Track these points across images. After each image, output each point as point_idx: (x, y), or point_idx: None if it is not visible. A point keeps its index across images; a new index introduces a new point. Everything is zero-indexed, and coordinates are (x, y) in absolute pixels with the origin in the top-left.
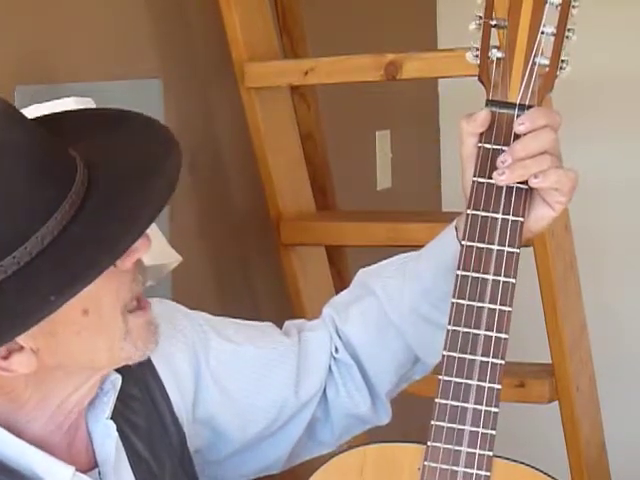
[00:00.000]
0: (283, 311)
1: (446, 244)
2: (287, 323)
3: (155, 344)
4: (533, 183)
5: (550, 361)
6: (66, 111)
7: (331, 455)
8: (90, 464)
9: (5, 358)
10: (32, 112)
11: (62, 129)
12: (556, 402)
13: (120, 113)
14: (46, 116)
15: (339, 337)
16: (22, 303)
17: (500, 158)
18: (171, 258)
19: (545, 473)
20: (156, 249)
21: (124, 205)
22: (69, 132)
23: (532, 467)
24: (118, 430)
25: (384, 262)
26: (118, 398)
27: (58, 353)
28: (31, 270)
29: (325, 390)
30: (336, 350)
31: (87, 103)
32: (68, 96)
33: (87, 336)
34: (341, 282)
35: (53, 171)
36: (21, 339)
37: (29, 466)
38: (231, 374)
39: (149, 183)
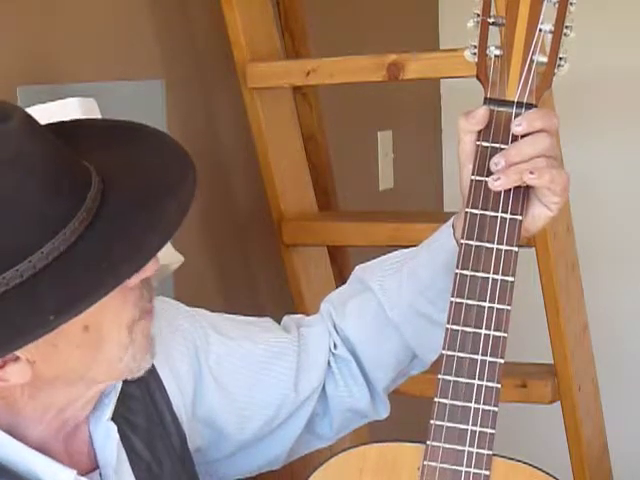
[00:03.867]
0: (285, 312)
1: (443, 243)
2: (285, 318)
3: (152, 356)
4: (528, 179)
5: (552, 361)
6: (83, 120)
7: (331, 455)
8: (91, 466)
9: (0, 368)
10: (34, 113)
11: (78, 138)
12: (558, 402)
13: (138, 127)
14: (63, 123)
15: (337, 333)
16: (21, 319)
17: (493, 160)
18: (173, 259)
19: (545, 471)
20: None
21: (135, 227)
22: (86, 142)
23: (532, 466)
24: (118, 430)
25: (381, 258)
26: (118, 398)
27: (55, 365)
28: (33, 285)
29: (324, 385)
30: (334, 346)
31: (90, 104)
32: (71, 96)
33: (86, 351)
34: (343, 282)
35: (66, 185)
36: (18, 350)
37: (31, 469)
38: (230, 372)
39: (162, 207)
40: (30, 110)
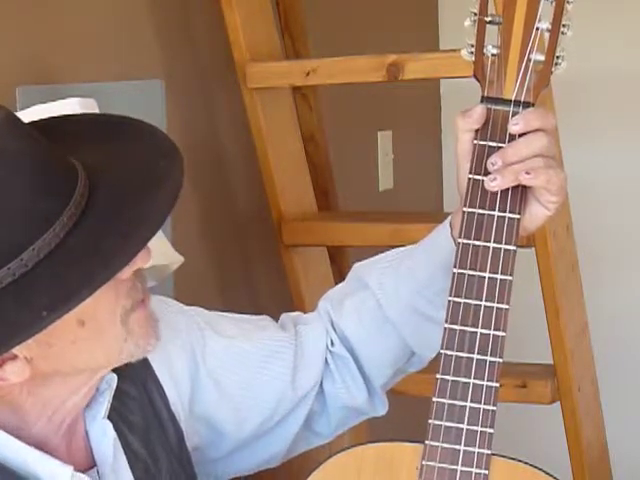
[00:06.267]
0: (285, 312)
1: (440, 241)
2: (283, 316)
3: (157, 339)
4: (524, 179)
5: (552, 362)
6: (68, 115)
7: (329, 455)
8: (89, 463)
9: None
10: (34, 113)
11: (64, 134)
12: (558, 403)
13: (123, 120)
14: (48, 120)
15: (335, 331)
16: (16, 317)
17: (490, 160)
18: (173, 259)
19: (544, 471)
20: (158, 250)
21: (123, 219)
22: (71, 138)
23: (531, 465)
24: (115, 429)
25: (379, 256)
26: (115, 397)
27: (53, 361)
28: (26, 283)
29: (322, 383)
30: (332, 343)
31: (89, 104)
32: (71, 96)
33: (83, 344)
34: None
35: (53, 182)
36: (15, 348)
37: (28, 467)
38: (227, 370)
39: (150, 198)
40: (30, 110)
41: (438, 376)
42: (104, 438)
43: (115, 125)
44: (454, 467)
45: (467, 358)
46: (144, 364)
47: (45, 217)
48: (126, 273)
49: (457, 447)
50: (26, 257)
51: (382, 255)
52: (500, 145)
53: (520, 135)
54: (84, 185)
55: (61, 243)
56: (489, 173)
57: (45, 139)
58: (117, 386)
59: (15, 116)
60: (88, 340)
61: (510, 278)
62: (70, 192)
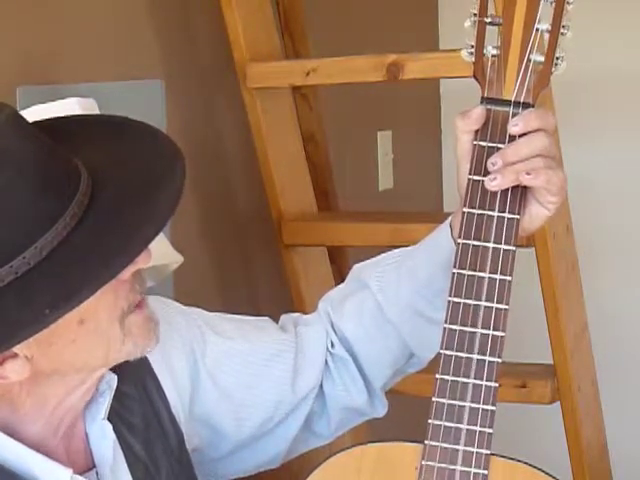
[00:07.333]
0: (285, 312)
1: (440, 242)
2: (283, 317)
3: (155, 341)
4: (525, 179)
5: (552, 362)
6: (71, 116)
7: (330, 454)
8: (88, 465)
9: None
10: (34, 113)
11: (67, 135)
12: (558, 403)
13: (125, 121)
14: (50, 120)
15: (335, 332)
16: (17, 315)
17: (490, 160)
18: (172, 259)
19: (545, 472)
20: (157, 250)
21: (125, 220)
22: (74, 138)
23: (531, 465)
24: (115, 430)
25: (379, 257)
26: (115, 398)
27: (53, 360)
28: (28, 281)
29: (322, 384)
30: (332, 345)
31: (89, 104)
32: (70, 96)
33: (83, 344)
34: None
35: (56, 181)
36: (15, 347)
37: (27, 469)
38: (227, 371)
39: (152, 199)
40: (30, 110)
41: (438, 376)
42: (104, 439)
43: (118, 126)
44: (454, 467)
45: (466, 358)
46: (144, 365)
47: (48, 216)
48: (127, 274)
49: (457, 447)
50: (29, 255)
51: (382, 256)
52: (500, 146)
53: (520, 136)
54: (87, 185)
55: (64, 242)
56: (489, 174)
57: (48, 139)
58: (117, 387)
59: (19, 115)
60: (87, 339)
61: (509, 278)
62: (73, 192)
